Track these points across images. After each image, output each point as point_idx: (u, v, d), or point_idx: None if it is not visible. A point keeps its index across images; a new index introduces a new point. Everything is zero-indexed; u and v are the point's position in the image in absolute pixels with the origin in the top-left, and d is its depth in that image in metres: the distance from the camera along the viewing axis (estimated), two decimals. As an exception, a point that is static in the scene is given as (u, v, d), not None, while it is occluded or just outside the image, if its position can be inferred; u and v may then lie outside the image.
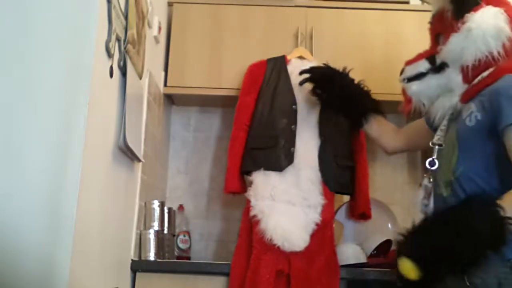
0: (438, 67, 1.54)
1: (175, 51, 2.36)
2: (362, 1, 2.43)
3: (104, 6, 1.41)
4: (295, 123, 2.04)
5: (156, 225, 2.02)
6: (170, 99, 2.51)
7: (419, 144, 1.86)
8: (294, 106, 2.07)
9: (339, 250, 2.02)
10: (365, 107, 1.88)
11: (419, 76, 1.57)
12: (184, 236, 2.28)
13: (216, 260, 2.39)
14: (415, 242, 1.31)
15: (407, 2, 2.47)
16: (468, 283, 1.29)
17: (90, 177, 1.33)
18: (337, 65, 1.94)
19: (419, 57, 1.61)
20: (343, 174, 2.06)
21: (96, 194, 1.42)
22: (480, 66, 1.44)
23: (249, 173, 2.05)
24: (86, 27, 1.31)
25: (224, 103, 2.48)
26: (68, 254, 1.19)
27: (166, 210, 2.12)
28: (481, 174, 1.38)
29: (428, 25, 1.65)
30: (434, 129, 1.61)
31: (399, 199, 2.43)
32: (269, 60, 2.23)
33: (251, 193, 1.98)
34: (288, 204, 1.93)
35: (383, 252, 2.14)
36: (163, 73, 2.34)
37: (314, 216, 1.92)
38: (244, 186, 2.10)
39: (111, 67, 1.49)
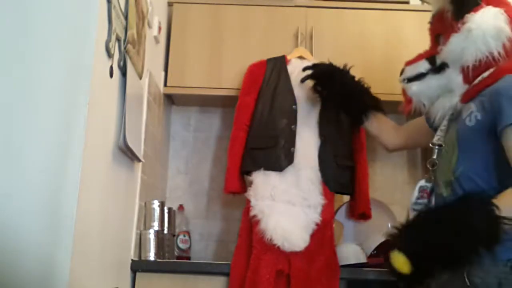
0: (438, 68, 1.54)
1: (175, 51, 2.36)
2: (362, 1, 2.43)
3: (104, 6, 1.41)
4: (295, 123, 2.04)
5: (156, 225, 2.02)
6: (170, 99, 2.51)
7: (419, 142, 1.86)
8: (294, 106, 2.07)
9: (339, 250, 2.02)
10: (366, 104, 1.88)
11: (419, 77, 1.57)
12: (184, 236, 2.28)
13: (216, 260, 2.38)
14: (409, 236, 1.31)
15: (407, 2, 2.47)
16: (468, 283, 1.30)
17: (90, 177, 1.33)
18: (337, 64, 1.94)
19: (419, 57, 1.61)
20: (343, 174, 2.06)
21: (96, 194, 1.42)
22: (480, 66, 1.44)
23: (249, 173, 2.05)
24: (86, 27, 1.31)
25: (224, 103, 2.48)
26: (68, 254, 1.19)
27: (166, 210, 2.12)
28: (481, 174, 1.38)
29: (428, 25, 1.65)
30: (434, 129, 1.61)
31: (399, 199, 2.43)
32: (269, 60, 2.23)
33: (251, 193, 1.98)
34: (288, 204, 1.93)
35: (383, 252, 2.14)
36: (163, 73, 2.34)
37: (314, 216, 1.92)
38: (244, 186, 2.10)
39: (111, 67, 1.49)
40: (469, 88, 1.48)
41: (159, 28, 2.17)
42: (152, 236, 1.95)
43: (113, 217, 1.62)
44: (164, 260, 2.01)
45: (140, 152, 1.86)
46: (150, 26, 2.04)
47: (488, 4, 1.46)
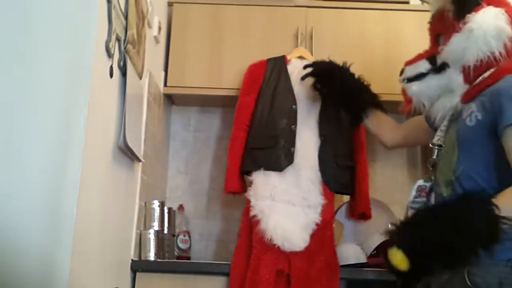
0: (438, 68, 1.53)
1: (175, 51, 2.36)
2: (362, 1, 2.43)
3: (104, 6, 1.41)
4: (295, 123, 2.04)
5: (156, 225, 2.02)
6: (170, 99, 2.51)
7: (419, 140, 1.86)
8: (294, 106, 2.07)
9: (339, 250, 2.02)
10: (365, 101, 1.89)
11: (419, 77, 1.57)
12: (184, 236, 2.28)
13: (216, 260, 2.38)
14: (407, 233, 1.31)
15: (407, 2, 2.47)
16: (469, 283, 1.30)
17: (90, 177, 1.33)
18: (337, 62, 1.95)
19: (419, 57, 1.61)
20: (343, 174, 2.06)
21: (96, 194, 1.42)
22: (481, 66, 1.44)
23: (249, 173, 2.05)
24: (86, 27, 1.31)
25: (224, 103, 2.48)
26: (68, 254, 1.19)
27: (166, 210, 2.12)
28: (481, 174, 1.38)
29: (428, 25, 1.65)
30: (434, 129, 1.61)
31: (399, 199, 2.42)
32: (269, 60, 2.23)
33: (251, 193, 1.98)
34: (288, 204, 1.93)
35: (383, 252, 2.14)
36: (163, 73, 2.34)
37: (314, 216, 1.92)
38: (244, 186, 2.10)
39: (111, 67, 1.49)
40: (469, 88, 1.48)
41: (159, 28, 2.17)
42: (152, 236, 1.95)
43: (113, 217, 1.62)
44: (164, 260, 2.01)
45: (140, 152, 1.86)
46: (150, 26, 2.04)
47: (489, 4, 1.46)
